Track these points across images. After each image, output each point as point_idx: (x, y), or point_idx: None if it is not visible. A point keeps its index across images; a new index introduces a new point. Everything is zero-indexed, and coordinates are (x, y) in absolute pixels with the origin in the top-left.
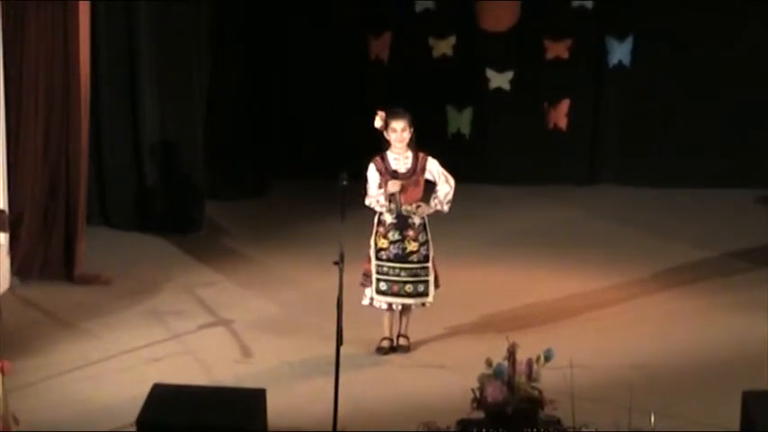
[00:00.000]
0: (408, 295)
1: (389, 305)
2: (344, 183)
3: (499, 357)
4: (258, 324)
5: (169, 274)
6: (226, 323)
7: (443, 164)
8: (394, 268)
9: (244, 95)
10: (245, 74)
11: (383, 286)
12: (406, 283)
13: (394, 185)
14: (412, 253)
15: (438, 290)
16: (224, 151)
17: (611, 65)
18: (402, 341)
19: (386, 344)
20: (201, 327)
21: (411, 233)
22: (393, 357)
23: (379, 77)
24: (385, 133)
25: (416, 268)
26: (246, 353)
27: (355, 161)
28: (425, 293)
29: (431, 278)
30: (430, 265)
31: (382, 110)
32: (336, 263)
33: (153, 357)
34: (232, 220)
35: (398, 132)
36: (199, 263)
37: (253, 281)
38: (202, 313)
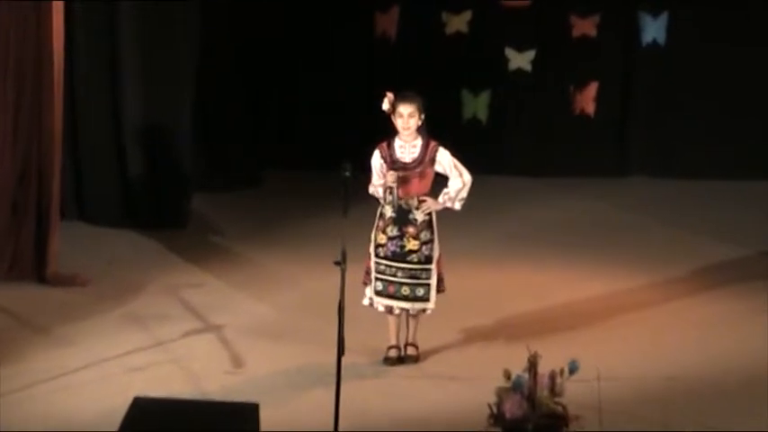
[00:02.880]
0: (405, 298)
1: (387, 308)
2: (347, 173)
3: (519, 368)
4: (251, 330)
5: (152, 274)
6: (215, 329)
7: (457, 153)
8: (390, 267)
9: (236, 76)
10: (238, 53)
11: (379, 286)
12: (402, 284)
13: (390, 177)
14: (411, 252)
15: (447, 293)
16: (214, 138)
17: (644, 44)
18: (410, 350)
19: (393, 353)
20: (188, 333)
21: (411, 230)
22: (400, 368)
23: (386, 57)
24: (392, 118)
25: (416, 269)
26: (238, 362)
27: (359, 149)
28: (425, 298)
29: (433, 281)
30: (432, 267)
31: (392, 92)
32: (338, 263)
33: (134, 367)
34: (222, 214)
35: (405, 118)
36: (185, 262)
37: (245, 282)
38: (189, 318)
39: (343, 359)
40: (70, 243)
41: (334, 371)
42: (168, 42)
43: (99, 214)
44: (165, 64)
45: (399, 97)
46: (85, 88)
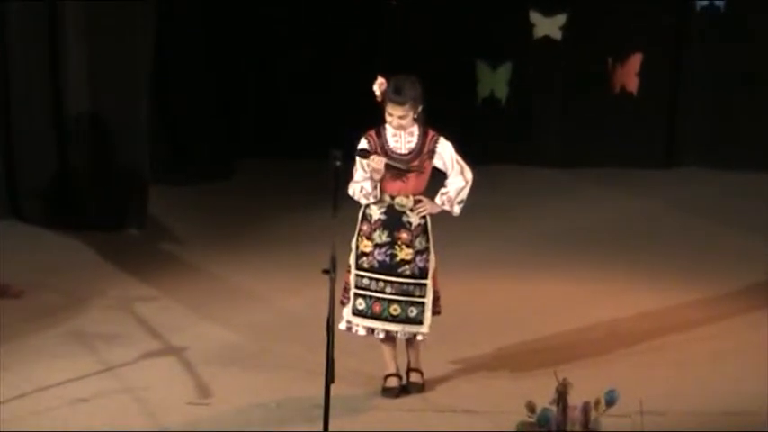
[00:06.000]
0: (394, 319)
1: (369, 331)
2: (337, 163)
3: (545, 400)
4: (219, 353)
5: (101, 285)
6: (176, 352)
7: (471, 140)
8: (377, 281)
9: (202, 49)
10: (205, 21)
11: (361, 305)
12: (391, 302)
13: (375, 162)
14: (404, 262)
15: (459, 310)
16: (174, 123)
17: (698, 7)
18: (414, 376)
19: (393, 382)
20: (144, 356)
21: (404, 236)
22: (401, 399)
23: (386, 22)
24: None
25: (408, 284)
26: (204, 391)
27: (350, 135)
28: (418, 320)
29: (428, 300)
30: (428, 281)
31: (384, 76)
32: (326, 271)
33: (78, 397)
34: (186, 214)
35: (394, 118)
36: (140, 270)
37: (212, 295)
38: (145, 338)
39: (333, 388)
40: (2, 248)
41: (320, 403)
42: (120, 9)
43: (36, 214)
44: (116, 35)
45: (390, 91)
46: (20, 66)
